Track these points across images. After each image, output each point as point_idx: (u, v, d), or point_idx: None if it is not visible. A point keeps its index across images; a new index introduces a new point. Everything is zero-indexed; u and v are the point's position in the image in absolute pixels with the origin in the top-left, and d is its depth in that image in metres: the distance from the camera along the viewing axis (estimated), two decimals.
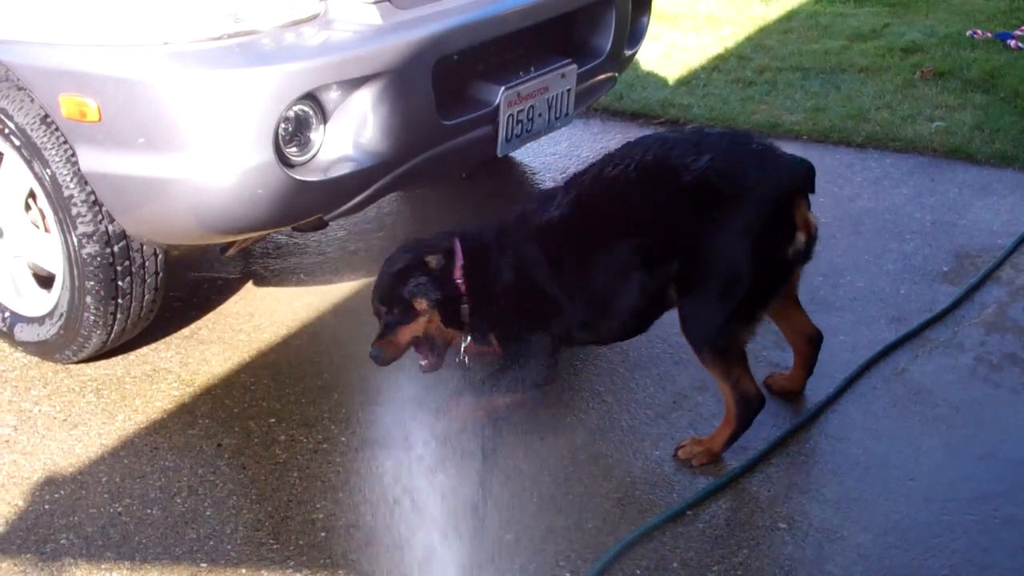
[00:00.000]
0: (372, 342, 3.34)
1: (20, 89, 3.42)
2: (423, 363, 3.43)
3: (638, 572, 2.93)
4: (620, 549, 2.97)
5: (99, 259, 3.49)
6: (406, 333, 3.33)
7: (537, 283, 3.31)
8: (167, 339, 3.97)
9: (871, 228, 4.68)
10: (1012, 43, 6.79)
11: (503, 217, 3.47)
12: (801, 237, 3.14)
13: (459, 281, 3.33)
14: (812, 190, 3.19)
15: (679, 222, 3.12)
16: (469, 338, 3.42)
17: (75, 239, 3.47)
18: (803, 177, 3.17)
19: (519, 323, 3.36)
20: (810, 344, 3.51)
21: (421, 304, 3.31)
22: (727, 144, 3.17)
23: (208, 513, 3.15)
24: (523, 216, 3.38)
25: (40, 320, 3.74)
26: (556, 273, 3.29)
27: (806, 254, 3.20)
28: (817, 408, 3.52)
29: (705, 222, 3.09)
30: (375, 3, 3.39)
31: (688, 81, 6.52)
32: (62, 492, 3.24)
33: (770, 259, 3.13)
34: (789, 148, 5.41)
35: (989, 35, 6.99)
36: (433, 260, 3.32)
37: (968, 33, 7.04)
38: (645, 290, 3.23)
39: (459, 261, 3.35)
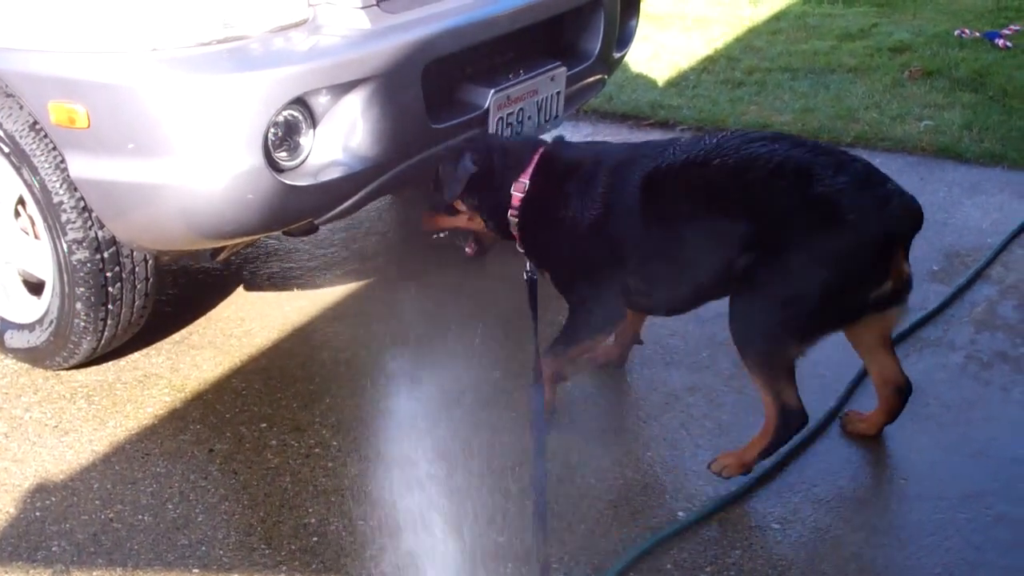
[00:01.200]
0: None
1: (8, 96, 3.41)
2: (467, 249, 3.58)
3: (631, 573, 2.93)
4: (637, 555, 2.97)
5: (89, 265, 3.49)
6: (445, 221, 3.54)
7: (613, 231, 3.21)
8: (158, 345, 3.97)
9: None
10: (1000, 42, 6.82)
11: (614, 149, 3.38)
12: (888, 285, 3.04)
13: (517, 194, 3.35)
14: (914, 236, 3.09)
15: (777, 223, 3.02)
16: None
17: (65, 245, 3.47)
18: (910, 224, 3.07)
19: (576, 268, 3.31)
20: (897, 394, 3.33)
21: (460, 205, 3.46)
22: (862, 175, 3.01)
23: (200, 519, 3.15)
24: (637, 158, 3.26)
25: (30, 327, 3.73)
26: (643, 226, 3.18)
27: (895, 300, 3.10)
28: (825, 418, 3.49)
29: (799, 233, 2.99)
30: (364, 8, 3.39)
31: (677, 82, 6.53)
32: (53, 499, 3.24)
33: (846, 294, 3.04)
34: None
35: (977, 34, 7.02)
36: (476, 161, 3.38)
37: (956, 32, 7.07)
38: (719, 275, 3.12)
39: (525, 177, 3.35)
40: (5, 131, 3.41)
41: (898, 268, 3.05)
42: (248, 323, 4.10)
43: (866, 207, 2.97)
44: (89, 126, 3.23)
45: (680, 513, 3.13)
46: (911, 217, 3.06)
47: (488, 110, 3.78)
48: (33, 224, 3.60)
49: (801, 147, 3.09)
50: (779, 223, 3.02)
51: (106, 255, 3.51)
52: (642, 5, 4.84)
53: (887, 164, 5.29)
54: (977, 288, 4.22)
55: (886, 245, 3.01)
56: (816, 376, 3.67)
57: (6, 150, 3.44)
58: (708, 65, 6.81)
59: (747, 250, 3.05)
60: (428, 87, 3.53)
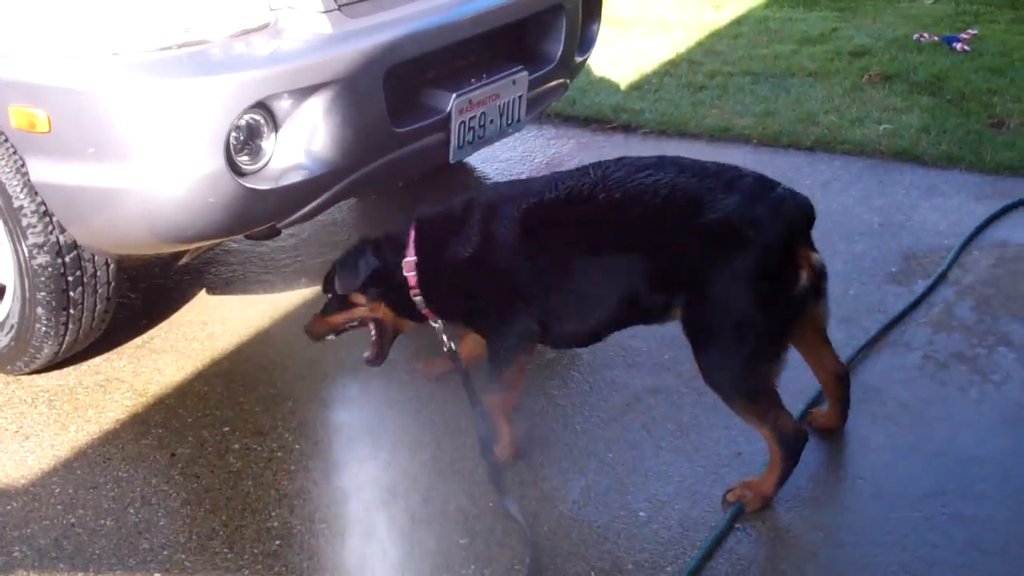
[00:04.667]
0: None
1: None
2: (366, 355, 3.48)
3: (592, 573, 2.95)
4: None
5: (50, 269, 3.48)
6: (343, 316, 3.44)
7: (505, 269, 3.20)
8: (119, 349, 3.95)
9: (820, 230, 4.63)
10: (958, 46, 6.89)
11: (481, 196, 3.36)
12: (804, 277, 3.06)
13: (408, 274, 3.29)
14: (810, 228, 3.17)
15: (687, 256, 3.07)
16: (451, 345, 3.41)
17: (26, 250, 3.45)
18: (804, 221, 3.15)
19: (485, 304, 3.28)
20: (840, 381, 3.42)
21: (357, 298, 3.39)
22: (751, 184, 3.11)
23: (162, 523, 3.14)
24: (508, 197, 3.26)
25: None
26: (534, 262, 3.19)
27: (816, 291, 3.13)
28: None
29: (714, 263, 3.04)
30: (326, 12, 3.40)
31: (640, 86, 6.56)
32: (14, 504, 3.22)
33: (779, 303, 3.07)
34: (739, 152, 5.52)
35: (935, 39, 7.08)
36: (365, 261, 3.34)
37: (915, 37, 7.13)
38: (631, 308, 3.17)
39: (410, 253, 3.29)
40: None
41: (808, 260, 3.10)
42: (210, 327, 4.10)
43: (760, 219, 3.03)
44: (50, 130, 3.23)
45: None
46: (803, 214, 3.14)
47: (450, 114, 3.80)
48: None
49: (687, 172, 3.12)
50: (689, 259, 3.06)
51: (67, 259, 3.49)
52: (604, 9, 4.87)
53: (846, 167, 5.36)
54: (934, 289, 4.26)
55: (787, 245, 3.07)
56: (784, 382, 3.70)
57: None
58: (670, 69, 6.85)
59: (656, 287, 3.12)
60: (390, 91, 3.55)
